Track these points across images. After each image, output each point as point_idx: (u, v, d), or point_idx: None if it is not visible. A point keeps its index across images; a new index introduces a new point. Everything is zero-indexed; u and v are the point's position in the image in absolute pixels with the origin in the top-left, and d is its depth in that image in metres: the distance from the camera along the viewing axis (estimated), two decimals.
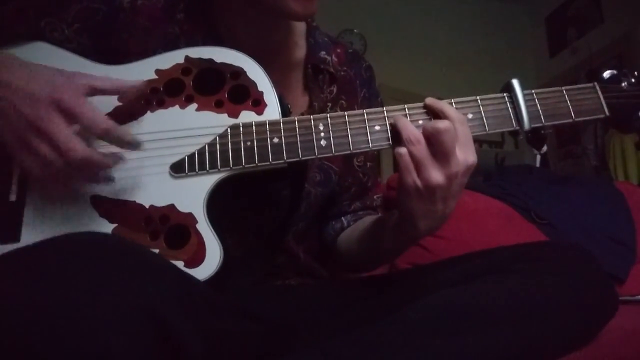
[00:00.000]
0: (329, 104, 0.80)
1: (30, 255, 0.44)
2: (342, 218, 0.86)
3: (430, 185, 0.57)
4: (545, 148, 2.24)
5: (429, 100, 0.63)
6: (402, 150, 0.58)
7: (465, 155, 0.58)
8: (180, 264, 0.57)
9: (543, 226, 1.42)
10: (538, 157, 2.17)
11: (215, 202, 0.62)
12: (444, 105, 0.62)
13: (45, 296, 0.39)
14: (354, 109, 0.78)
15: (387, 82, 3.73)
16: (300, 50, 0.79)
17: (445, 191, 0.58)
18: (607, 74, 0.67)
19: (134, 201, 0.60)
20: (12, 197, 0.61)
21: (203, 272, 0.57)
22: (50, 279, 0.40)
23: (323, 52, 0.80)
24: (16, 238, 0.59)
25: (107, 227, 0.59)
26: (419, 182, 0.57)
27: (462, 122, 0.59)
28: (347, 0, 3.85)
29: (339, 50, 0.84)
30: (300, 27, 0.79)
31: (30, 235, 0.59)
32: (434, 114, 0.62)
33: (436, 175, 0.57)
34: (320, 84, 0.79)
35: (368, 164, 0.87)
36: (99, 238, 0.49)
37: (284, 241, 0.79)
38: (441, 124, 0.57)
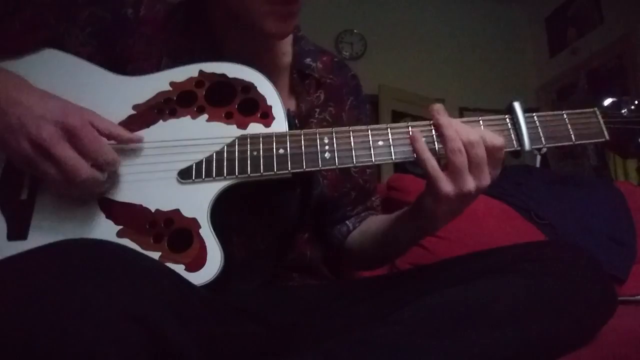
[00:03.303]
0: (317, 109, 0.83)
1: (30, 260, 0.45)
2: (347, 222, 0.88)
3: (463, 193, 0.61)
4: (545, 148, 2.24)
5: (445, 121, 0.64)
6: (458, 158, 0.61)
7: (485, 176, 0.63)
8: (181, 267, 0.58)
9: (543, 226, 1.42)
10: (538, 157, 2.18)
11: (223, 205, 0.63)
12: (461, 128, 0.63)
13: (39, 301, 0.40)
14: (341, 116, 0.84)
15: (387, 82, 3.74)
16: (286, 58, 0.82)
17: (471, 197, 0.63)
18: (607, 101, 0.70)
19: (141, 205, 0.62)
20: (23, 196, 0.62)
21: (203, 276, 0.58)
22: (45, 285, 0.41)
23: (308, 59, 0.83)
24: (23, 236, 0.60)
25: (113, 229, 0.60)
26: (455, 190, 0.61)
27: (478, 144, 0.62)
28: (347, 0, 3.85)
29: (324, 59, 0.87)
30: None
31: (38, 233, 0.60)
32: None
33: (470, 186, 0.61)
34: (306, 88, 0.82)
35: (367, 170, 0.90)
36: (95, 245, 0.50)
37: (292, 242, 0.81)
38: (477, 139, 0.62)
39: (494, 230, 1.35)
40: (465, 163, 0.61)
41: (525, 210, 1.46)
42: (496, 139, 0.62)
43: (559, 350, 0.59)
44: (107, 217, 0.61)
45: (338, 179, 0.84)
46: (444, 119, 0.63)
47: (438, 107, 0.64)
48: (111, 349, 0.40)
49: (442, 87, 3.79)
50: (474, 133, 0.61)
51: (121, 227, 0.60)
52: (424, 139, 0.64)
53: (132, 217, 0.61)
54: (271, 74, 0.70)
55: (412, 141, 0.64)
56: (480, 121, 0.66)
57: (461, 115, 0.65)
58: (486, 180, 0.62)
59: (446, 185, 0.61)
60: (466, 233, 1.31)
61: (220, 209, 0.62)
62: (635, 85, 3.07)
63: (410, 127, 0.65)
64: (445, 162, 0.63)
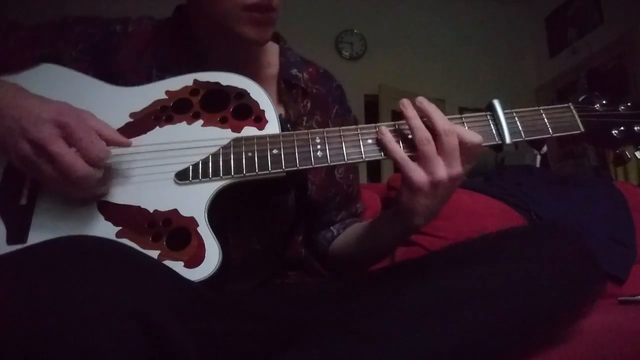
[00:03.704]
0: (305, 117, 0.85)
1: (30, 256, 0.45)
2: (331, 227, 0.90)
3: (435, 181, 0.62)
4: (545, 148, 2.25)
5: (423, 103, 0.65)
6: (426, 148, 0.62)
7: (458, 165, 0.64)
8: (180, 264, 0.59)
9: None
10: (538, 158, 2.18)
11: (220, 205, 0.64)
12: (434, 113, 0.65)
13: (38, 296, 0.40)
14: (328, 124, 0.86)
15: (387, 82, 3.75)
16: (272, 69, 0.85)
17: (445, 189, 0.63)
18: (581, 98, 0.75)
19: (139, 206, 0.63)
20: (23, 201, 0.63)
21: (202, 272, 0.59)
22: (44, 281, 0.41)
23: (295, 70, 0.86)
24: (23, 240, 0.61)
25: (112, 230, 0.61)
26: (428, 179, 0.62)
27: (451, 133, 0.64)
28: (347, 0, 3.86)
29: (310, 70, 0.90)
30: (272, 48, 0.86)
31: (37, 237, 0.60)
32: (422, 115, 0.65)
33: (442, 173, 0.62)
34: (294, 97, 0.85)
35: (351, 175, 0.92)
36: (92, 242, 0.50)
37: (288, 243, 0.82)
38: (450, 127, 0.63)
39: (493, 230, 1.35)
40: (433, 150, 0.62)
41: (525, 210, 1.46)
42: (474, 137, 0.64)
43: (548, 324, 0.60)
44: (106, 219, 0.62)
45: (324, 184, 0.86)
46: (409, 111, 0.64)
47: (403, 101, 0.65)
48: (110, 345, 0.40)
49: (442, 87, 3.80)
50: (448, 123, 0.63)
51: (120, 228, 0.61)
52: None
53: (130, 218, 0.62)
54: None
55: (379, 136, 0.65)
56: (463, 119, 0.68)
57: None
58: (457, 169, 0.62)
59: (417, 174, 0.62)
60: (466, 233, 1.30)
61: (216, 210, 0.63)
62: (635, 85, 3.07)
63: (397, 125, 0.67)
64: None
